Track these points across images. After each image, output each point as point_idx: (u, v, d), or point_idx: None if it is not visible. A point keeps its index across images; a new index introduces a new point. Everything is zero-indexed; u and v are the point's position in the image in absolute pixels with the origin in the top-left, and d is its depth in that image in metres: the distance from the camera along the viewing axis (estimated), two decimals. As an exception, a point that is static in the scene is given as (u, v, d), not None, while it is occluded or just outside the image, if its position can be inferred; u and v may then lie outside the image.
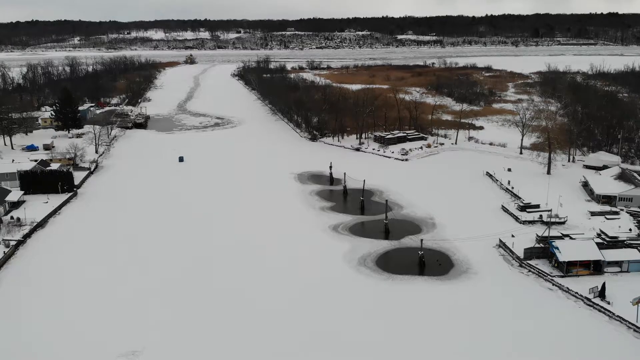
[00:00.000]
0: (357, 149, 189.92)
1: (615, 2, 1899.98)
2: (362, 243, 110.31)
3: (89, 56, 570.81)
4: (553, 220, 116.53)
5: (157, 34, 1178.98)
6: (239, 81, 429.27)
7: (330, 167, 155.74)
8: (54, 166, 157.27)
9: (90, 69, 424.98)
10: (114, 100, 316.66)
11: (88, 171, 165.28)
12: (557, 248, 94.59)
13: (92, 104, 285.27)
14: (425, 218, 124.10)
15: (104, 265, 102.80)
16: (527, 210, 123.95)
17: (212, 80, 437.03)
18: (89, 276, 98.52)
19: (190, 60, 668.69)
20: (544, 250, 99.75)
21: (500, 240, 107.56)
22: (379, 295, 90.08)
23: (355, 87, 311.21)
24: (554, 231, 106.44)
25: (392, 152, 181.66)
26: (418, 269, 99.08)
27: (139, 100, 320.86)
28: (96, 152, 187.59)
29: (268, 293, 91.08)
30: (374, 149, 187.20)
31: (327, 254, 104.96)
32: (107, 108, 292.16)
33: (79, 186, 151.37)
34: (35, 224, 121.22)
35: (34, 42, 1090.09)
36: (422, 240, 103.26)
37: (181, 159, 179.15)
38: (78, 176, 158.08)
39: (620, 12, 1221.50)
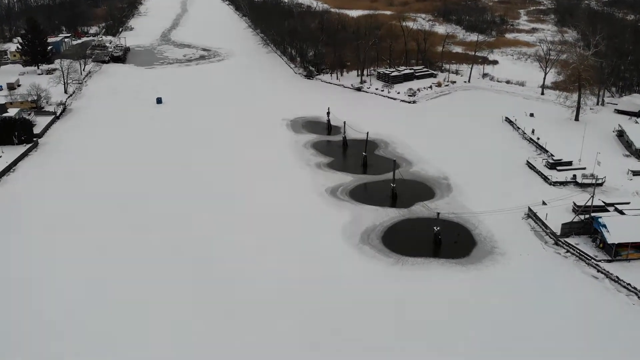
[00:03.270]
0: (358, 89, 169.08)
1: None
2: (365, 212, 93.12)
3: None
4: (589, 181, 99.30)
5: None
6: (229, 6, 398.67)
7: (328, 113, 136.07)
8: (13, 111, 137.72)
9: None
10: (93, 30, 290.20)
11: (53, 116, 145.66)
12: (604, 226, 77.58)
13: (68, 35, 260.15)
14: (438, 178, 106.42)
15: (69, 233, 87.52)
16: (558, 168, 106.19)
17: (200, 5, 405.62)
18: (50, 247, 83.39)
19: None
20: (584, 224, 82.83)
21: (530, 210, 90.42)
22: (387, 285, 73.70)
23: (355, 13, 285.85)
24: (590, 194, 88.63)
25: (398, 93, 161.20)
26: (433, 249, 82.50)
27: (120, 30, 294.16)
28: (65, 92, 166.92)
29: (252, 280, 74.78)
30: (377, 89, 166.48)
31: (324, 228, 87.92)
32: (84, 39, 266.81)
33: (40, 135, 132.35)
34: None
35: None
36: (438, 214, 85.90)
37: (159, 101, 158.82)
38: (42, 122, 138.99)
39: None
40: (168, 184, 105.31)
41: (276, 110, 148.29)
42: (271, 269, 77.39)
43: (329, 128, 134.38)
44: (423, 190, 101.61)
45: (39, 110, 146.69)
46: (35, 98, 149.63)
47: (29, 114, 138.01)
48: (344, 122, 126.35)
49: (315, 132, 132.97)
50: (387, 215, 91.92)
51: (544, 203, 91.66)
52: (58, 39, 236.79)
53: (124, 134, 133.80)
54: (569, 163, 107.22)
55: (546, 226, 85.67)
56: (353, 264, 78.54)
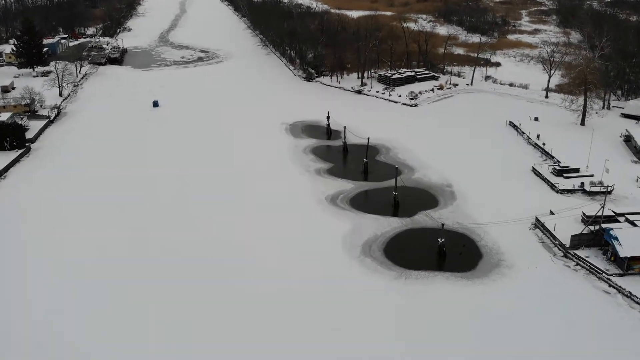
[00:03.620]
0: (359, 92, 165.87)
1: None
2: (366, 221, 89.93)
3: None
4: (598, 189, 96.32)
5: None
6: (228, 7, 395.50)
7: (328, 117, 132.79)
8: (5, 115, 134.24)
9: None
10: (90, 31, 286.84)
11: (47, 120, 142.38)
12: (616, 239, 74.44)
13: (65, 36, 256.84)
14: (441, 185, 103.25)
15: (66, 236, 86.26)
16: (565, 175, 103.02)
17: (199, 5, 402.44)
18: (46, 249, 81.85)
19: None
20: (594, 236, 79.70)
21: (538, 220, 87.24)
22: (390, 300, 70.61)
23: (355, 13, 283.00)
24: (599, 202, 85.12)
25: (399, 96, 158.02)
26: (437, 262, 79.33)
27: (118, 31, 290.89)
28: (60, 95, 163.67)
29: (252, 282, 72.19)
30: (377, 92, 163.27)
31: (323, 238, 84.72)
32: (81, 40, 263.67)
33: (33, 140, 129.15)
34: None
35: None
36: (443, 225, 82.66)
37: (155, 104, 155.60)
38: (35, 126, 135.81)
39: None
40: (164, 188, 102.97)
41: (275, 114, 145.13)
42: (271, 277, 74.73)
43: (329, 133, 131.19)
44: (426, 198, 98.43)
45: (33, 114, 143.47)
46: (29, 101, 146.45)
47: (22, 118, 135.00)
48: (344, 127, 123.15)
49: (314, 137, 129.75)
50: (389, 225, 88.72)
51: (551, 213, 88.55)
52: (54, 40, 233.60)
53: (119, 137, 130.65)
54: (576, 170, 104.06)
55: (554, 237, 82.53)
56: (354, 277, 75.32)
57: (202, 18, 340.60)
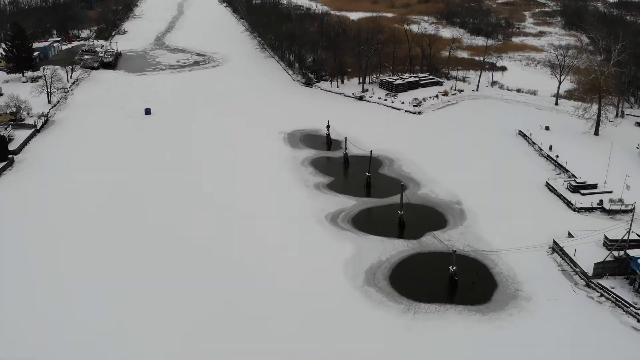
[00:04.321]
0: (360, 98, 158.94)
1: None
2: (370, 243, 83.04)
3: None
4: (617, 207, 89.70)
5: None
6: (226, 8, 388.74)
7: (328, 127, 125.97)
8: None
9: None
10: (84, 34, 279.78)
11: (33, 129, 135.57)
12: (645, 269, 67.79)
13: (58, 39, 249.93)
14: (449, 202, 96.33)
15: (49, 256, 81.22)
16: (581, 191, 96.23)
17: (197, 7, 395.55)
18: (23, 276, 76.31)
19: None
20: (620, 263, 72.94)
21: (556, 244, 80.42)
22: (397, 339, 63.75)
23: (356, 15, 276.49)
24: (622, 226, 78.54)
25: (402, 103, 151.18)
26: (448, 293, 72.53)
27: (113, 33, 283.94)
28: (49, 102, 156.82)
29: (237, 333, 64.85)
30: (379, 98, 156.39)
31: (323, 264, 77.85)
32: (75, 43, 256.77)
33: (17, 151, 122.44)
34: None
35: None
36: (454, 252, 75.73)
37: (148, 112, 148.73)
38: (20, 136, 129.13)
39: None
40: (156, 200, 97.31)
41: (273, 122, 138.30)
42: (263, 310, 68.00)
43: (329, 143, 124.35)
44: (433, 217, 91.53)
45: (18, 123, 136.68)
46: (15, 110, 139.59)
47: (6, 128, 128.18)
48: (345, 138, 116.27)
49: (314, 147, 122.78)
50: (395, 249, 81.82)
51: (570, 235, 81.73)
52: (46, 43, 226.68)
53: (109, 148, 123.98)
54: (594, 186, 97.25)
55: (575, 264, 75.72)
56: (357, 311, 68.42)
57: (200, 20, 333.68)
